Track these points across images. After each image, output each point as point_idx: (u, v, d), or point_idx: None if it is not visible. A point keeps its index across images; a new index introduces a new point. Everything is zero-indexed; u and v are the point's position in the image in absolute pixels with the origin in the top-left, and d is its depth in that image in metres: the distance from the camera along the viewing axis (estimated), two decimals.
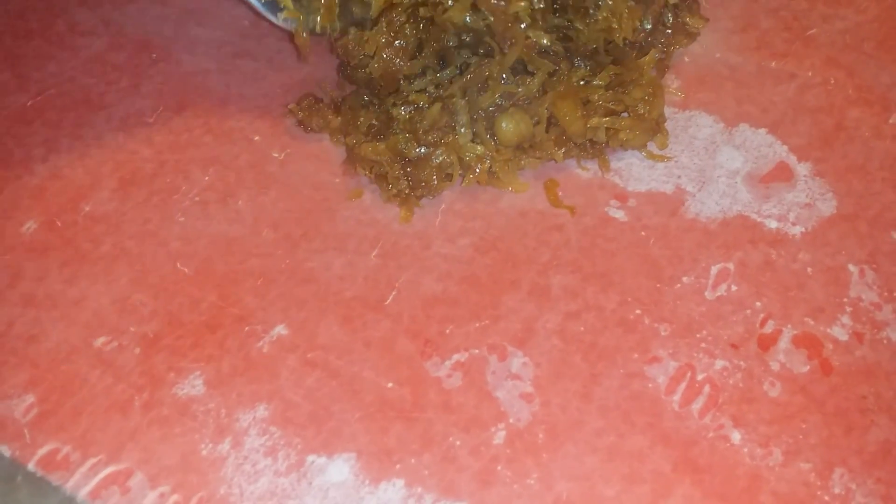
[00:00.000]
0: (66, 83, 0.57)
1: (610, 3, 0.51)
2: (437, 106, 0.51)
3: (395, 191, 0.51)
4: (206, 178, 0.53)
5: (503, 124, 0.51)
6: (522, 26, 0.50)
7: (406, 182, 0.51)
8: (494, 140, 0.52)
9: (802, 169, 0.52)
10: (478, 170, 0.51)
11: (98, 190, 0.53)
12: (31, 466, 0.43)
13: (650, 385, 0.45)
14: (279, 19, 0.54)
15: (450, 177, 0.52)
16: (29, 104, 0.56)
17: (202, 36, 0.60)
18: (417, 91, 0.52)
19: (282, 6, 0.53)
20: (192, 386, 0.46)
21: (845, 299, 0.47)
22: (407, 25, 0.51)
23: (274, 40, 0.59)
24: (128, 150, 0.54)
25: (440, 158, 0.51)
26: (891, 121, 0.54)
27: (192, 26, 0.60)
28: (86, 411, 0.45)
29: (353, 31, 0.52)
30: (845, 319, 0.46)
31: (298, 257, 0.50)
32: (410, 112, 0.51)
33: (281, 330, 0.48)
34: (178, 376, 0.46)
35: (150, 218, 0.52)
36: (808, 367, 0.45)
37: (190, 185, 0.53)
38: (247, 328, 0.48)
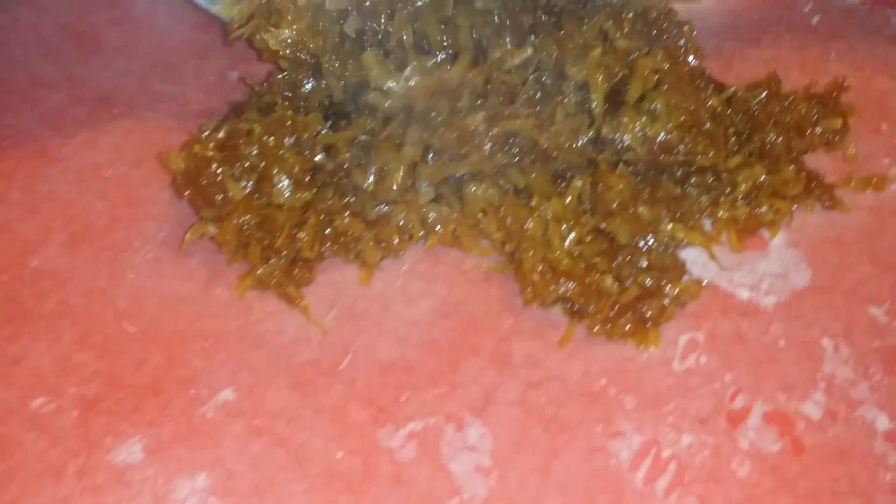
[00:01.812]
0: (22, 135, 0.56)
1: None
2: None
3: (354, 252, 0.50)
4: (161, 235, 0.51)
5: (472, 188, 0.50)
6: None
7: (366, 242, 0.49)
8: (460, 202, 0.50)
9: (776, 238, 0.51)
10: (439, 229, 0.50)
11: (47, 245, 0.51)
12: None
13: (613, 461, 0.43)
14: (213, 9, 0.54)
15: (412, 237, 0.50)
16: None
17: (166, 92, 0.58)
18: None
19: None
20: (130, 452, 0.43)
21: (819, 375, 0.45)
22: None
23: (240, 96, 0.58)
24: (81, 205, 0.53)
25: (401, 218, 0.49)
26: (867, 192, 0.52)
27: (156, 82, 0.59)
28: (17, 476, 0.43)
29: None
30: (818, 396, 0.44)
31: (251, 319, 0.48)
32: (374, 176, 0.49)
33: (227, 394, 0.45)
34: (115, 441, 0.44)
35: (99, 274, 0.50)
36: (779, 446, 0.43)
37: (143, 241, 0.51)
38: (191, 392, 0.45)
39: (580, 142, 0.49)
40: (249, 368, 0.46)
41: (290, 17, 0.49)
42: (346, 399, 0.45)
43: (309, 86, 0.52)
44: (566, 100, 0.50)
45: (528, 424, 0.44)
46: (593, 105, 0.49)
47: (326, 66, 0.50)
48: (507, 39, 0.50)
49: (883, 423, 0.43)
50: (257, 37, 0.52)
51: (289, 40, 0.50)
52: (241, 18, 0.53)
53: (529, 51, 0.49)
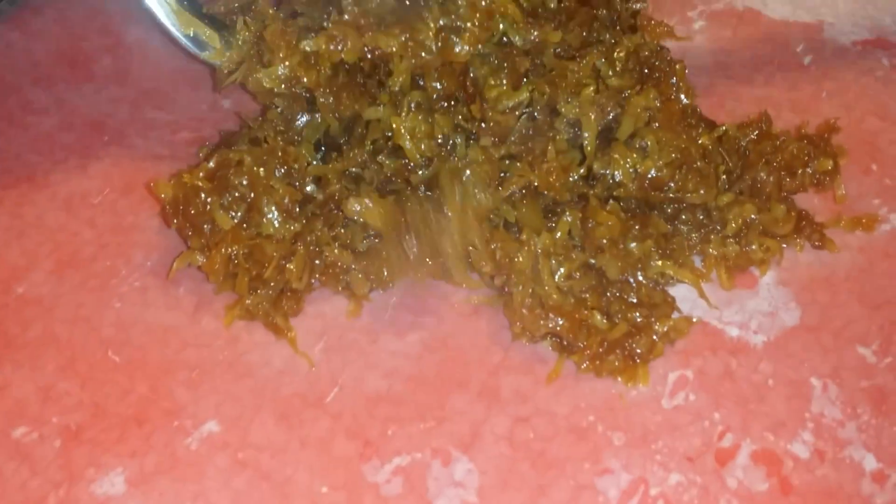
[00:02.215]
0: (11, 160, 0.55)
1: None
2: (390, 199, 0.49)
3: (343, 283, 0.49)
4: (149, 264, 0.51)
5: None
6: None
7: (355, 274, 0.49)
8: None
9: (766, 277, 0.51)
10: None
11: (33, 271, 0.50)
12: None
13: (601, 498, 0.42)
14: (202, 55, 0.54)
15: (402, 270, 0.50)
16: None
17: (158, 119, 0.58)
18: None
19: (206, 44, 0.52)
20: (112, 483, 0.43)
21: (807, 414, 0.45)
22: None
23: (232, 125, 0.58)
24: (69, 231, 0.52)
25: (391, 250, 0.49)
26: (857, 231, 0.52)
27: (148, 109, 0.59)
28: None
29: None
30: (807, 436, 0.44)
31: (238, 349, 0.48)
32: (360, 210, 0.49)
33: (212, 426, 0.45)
34: (97, 472, 0.43)
35: (85, 302, 0.49)
36: (767, 486, 0.43)
37: (130, 269, 0.51)
38: (176, 423, 0.45)
39: (571, 178, 0.49)
40: (235, 400, 0.46)
41: (281, 53, 0.49)
42: (333, 432, 0.45)
43: (303, 120, 0.52)
44: (558, 136, 0.50)
45: (515, 460, 0.44)
46: (585, 143, 0.49)
47: (321, 99, 0.50)
48: (504, 81, 0.50)
49: (870, 463, 0.43)
50: (250, 79, 0.52)
51: (283, 76, 0.50)
52: (231, 65, 0.52)
53: (526, 94, 0.49)
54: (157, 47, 0.62)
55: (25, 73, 0.61)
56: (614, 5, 0.56)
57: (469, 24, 0.48)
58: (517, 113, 0.49)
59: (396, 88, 0.49)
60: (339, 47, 0.48)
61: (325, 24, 0.49)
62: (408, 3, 0.48)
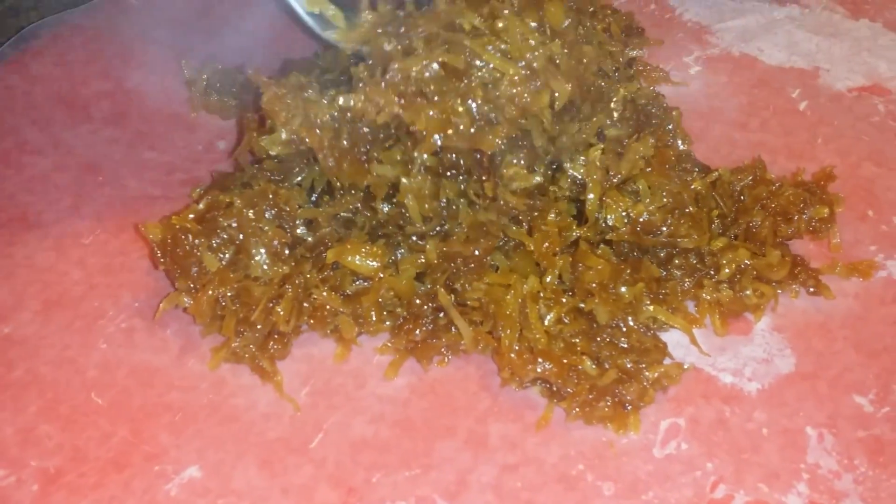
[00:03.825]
0: (5, 200, 0.55)
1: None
2: (381, 243, 0.49)
3: (331, 326, 0.49)
4: (136, 305, 0.51)
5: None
6: None
7: (344, 318, 0.48)
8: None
9: (761, 323, 0.50)
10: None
11: (20, 311, 0.50)
12: None
13: None
14: (326, 34, 0.54)
15: (393, 316, 0.49)
16: None
17: (152, 160, 0.58)
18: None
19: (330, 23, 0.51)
20: None
21: (802, 465, 0.44)
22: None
23: (226, 166, 0.58)
24: (57, 272, 0.52)
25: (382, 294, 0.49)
26: (852, 278, 0.52)
27: (143, 150, 0.59)
28: None
29: None
30: (802, 487, 0.43)
31: (223, 392, 0.47)
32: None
33: (193, 472, 0.44)
34: None
35: (71, 343, 0.49)
36: None
37: (118, 310, 0.50)
38: (156, 468, 0.44)
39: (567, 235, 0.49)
40: (218, 444, 0.45)
41: (283, 116, 0.49)
42: (316, 479, 0.44)
43: (300, 173, 0.52)
44: (559, 194, 0.49)
45: None
46: (588, 205, 0.49)
47: (323, 161, 0.49)
48: (522, 160, 0.49)
49: None
50: (253, 144, 0.52)
51: (285, 140, 0.49)
52: (354, 44, 0.50)
53: (538, 178, 0.49)
54: (156, 92, 0.63)
55: (23, 114, 0.61)
56: (616, 56, 0.56)
57: (503, 118, 0.47)
58: (527, 198, 0.49)
59: (415, 155, 0.48)
60: (374, 110, 0.47)
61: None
62: (453, 78, 0.47)
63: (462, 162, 0.48)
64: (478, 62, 0.47)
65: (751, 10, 0.70)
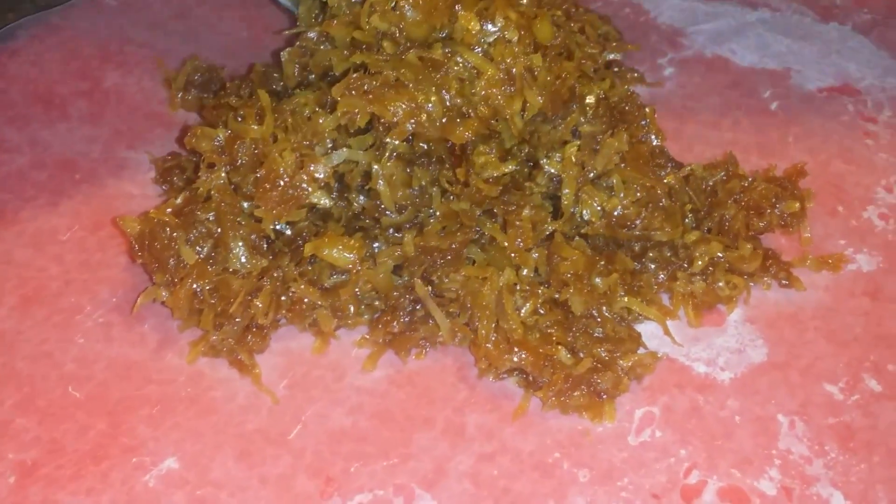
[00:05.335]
0: None
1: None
2: (358, 235, 0.49)
3: (310, 320, 0.49)
4: (114, 300, 0.51)
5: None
6: None
7: (322, 311, 0.49)
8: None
9: (733, 314, 0.51)
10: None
11: None
12: None
13: None
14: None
15: (371, 309, 0.50)
16: None
17: (130, 159, 0.58)
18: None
19: None
20: None
21: (774, 451, 0.44)
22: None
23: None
24: (35, 268, 0.52)
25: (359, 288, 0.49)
26: (823, 271, 0.53)
27: (121, 149, 0.59)
28: None
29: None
30: (774, 473, 0.44)
31: (202, 385, 0.47)
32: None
33: (171, 463, 0.44)
34: None
35: (48, 338, 0.49)
36: None
37: (95, 305, 0.50)
38: (134, 460, 0.44)
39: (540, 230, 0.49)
40: (196, 436, 0.45)
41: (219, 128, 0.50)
42: (294, 469, 0.44)
43: None
44: (535, 190, 0.50)
45: (479, 498, 0.43)
46: (563, 200, 0.49)
47: None
48: (493, 150, 0.50)
49: (838, 501, 0.43)
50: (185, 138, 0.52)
51: (220, 145, 0.50)
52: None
53: (511, 167, 0.49)
54: (134, 91, 0.63)
55: (0, 113, 0.61)
56: (595, 58, 0.57)
57: (474, 113, 0.48)
58: (498, 186, 0.49)
59: (387, 140, 0.49)
60: (354, 118, 0.48)
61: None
62: (431, 68, 0.48)
63: (434, 149, 0.49)
64: (458, 58, 0.48)
65: (723, 14, 0.71)
